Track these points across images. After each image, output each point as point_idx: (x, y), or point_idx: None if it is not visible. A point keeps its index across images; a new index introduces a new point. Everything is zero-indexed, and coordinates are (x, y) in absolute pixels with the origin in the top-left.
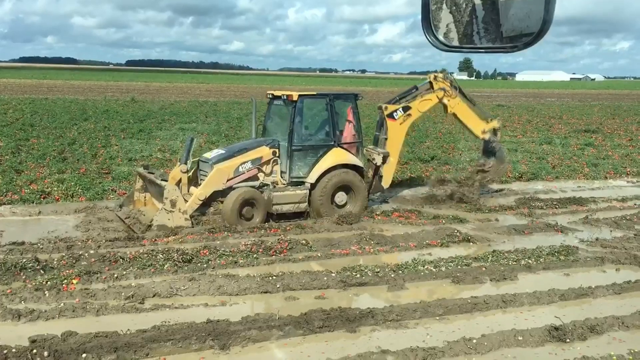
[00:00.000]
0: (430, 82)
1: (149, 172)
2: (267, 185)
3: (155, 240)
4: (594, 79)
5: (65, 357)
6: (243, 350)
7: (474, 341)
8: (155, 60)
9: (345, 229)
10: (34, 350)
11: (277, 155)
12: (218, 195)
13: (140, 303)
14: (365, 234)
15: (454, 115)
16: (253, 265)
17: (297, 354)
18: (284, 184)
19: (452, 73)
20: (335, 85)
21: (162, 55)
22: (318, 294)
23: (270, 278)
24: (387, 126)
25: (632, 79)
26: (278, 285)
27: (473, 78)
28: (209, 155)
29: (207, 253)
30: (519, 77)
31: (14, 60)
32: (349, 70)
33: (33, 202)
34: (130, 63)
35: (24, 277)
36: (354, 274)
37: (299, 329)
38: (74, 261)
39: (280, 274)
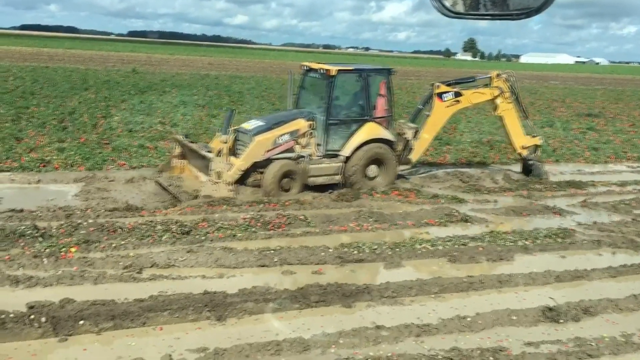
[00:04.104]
0: (490, 78)
1: (190, 142)
2: (304, 157)
3: (154, 211)
4: (599, 63)
5: (63, 323)
6: (239, 322)
7: (468, 319)
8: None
9: (344, 206)
10: (32, 316)
11: (313, 127)
12: (257, 166)
13: (138, 273)
14: (364, 212)
15: (500, 118)
16: (251, 239)
17: (293, 327)
18: (319, 156)
19: (456, 54)
20: (338, 62)
21: (165, 27)
22: (315, 269)
23: (268, 252)
24: (434, 104)
25: (637, 63)
26: (275, 260)
27: (477, 59)
28: (247, 126)
29: (206, 225)
30: (523, 59)
31: (15, 28)
32: (352, 48)
33: (32, 170)
34: (132, 34)
35: (22, 244)
36: (351, 250)
37: (295, 303)
38: (72, 230)
39: (278, 248)
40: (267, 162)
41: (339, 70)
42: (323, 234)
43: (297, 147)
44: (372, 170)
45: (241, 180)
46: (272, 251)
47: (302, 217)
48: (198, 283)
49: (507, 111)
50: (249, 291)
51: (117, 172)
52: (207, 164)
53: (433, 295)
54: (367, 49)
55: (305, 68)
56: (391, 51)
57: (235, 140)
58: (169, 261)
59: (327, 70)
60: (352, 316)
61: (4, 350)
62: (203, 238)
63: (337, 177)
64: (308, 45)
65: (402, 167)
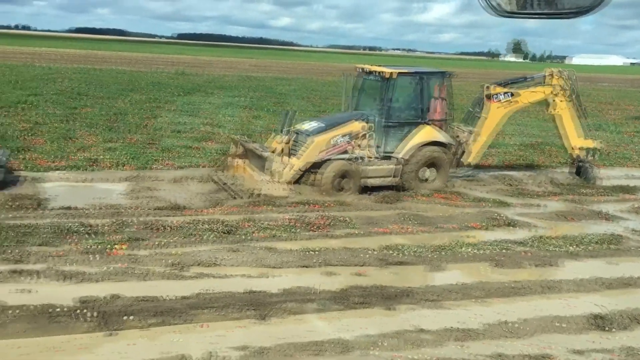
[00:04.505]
0: (544, 76)
1: (250, 142)
2: (359, 158)
3: (199, 210)
4: None
5: (111, 318)
6: (281, 321)
7: (513, 325)
8: (204, 34)
9: (386, 208)
10: (82, 311)
11: (369, 129)
12: (312, 166)
13: (182, 270)
14: (406, 214)
15: (554, 118)
16: (293, 240)
17: (334, 328)
18: (374, 158)
19: (501, 55)
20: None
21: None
22: (357, 270)
23: (310, 253)
24: (487, 106)
25: None
26: (317, 260)
27: (527, 60)
28: (304, 127)
29: (249, 225)
30: (574, 61)
31: (68, 31)
32: (396, 49)
33: (83, 169)
34: (181, 37)
35: (73, 240)
36: (393, 252)
37: (337, 304)
38: (120, 227)
39: (320, 249)
40: (323, 162)
41: (399, 73)
42: (365, 235)
43: (352, 149)
44: (427, 172)
45: (297, 179)
46: (314, 252)
47: (344, 218)
48: (241, 282)
49: (564, 110)
50: (291, 291)
51: (164, 172)
52: (265, 163)
53: (476, 300)
54: (411, 50)
55: (361, 70)
56: (436, 52)
57: (293, 140)
58: (213, 260)
59: (385, 72)
60: (393, 319)
61: (54, 343)
62: (246, 237)
63: (392, 179)
64: (351, 47)
65: (457, 170)
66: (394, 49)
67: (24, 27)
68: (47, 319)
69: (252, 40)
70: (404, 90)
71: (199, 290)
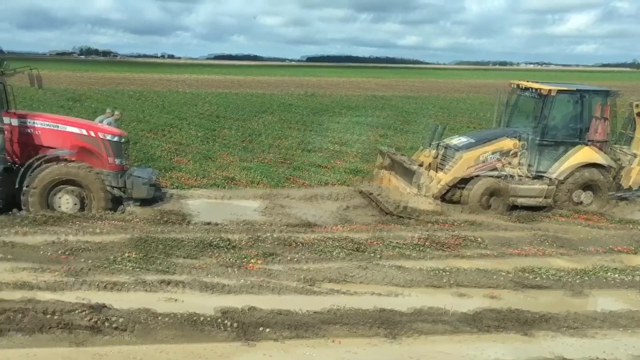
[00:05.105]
0: None
1: (397, 154)
2: (508, 176)
3: (329, 228)
4: None
5: (249, 329)
6: (412, 341)
7: None
8: (331, 56)
9: (520, 228)
10: (223, 321)
11: (521, 147)
12: (459, 182)
13: (314, 286)
14: (543, 235)
15: None
16: (422, 259)
17: (467, 350)
18: (525, 177)
19: None
20: (512, 79)
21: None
22: (490, 292)
23: (440, 273)
24: (638, 124)
25: None
26: (448, 281)
27: None
28: (453, 142)
29: (377, 243)
30: None
31: (207, 58)
32: (529, 63)
33: (222, 187)
34: (309, 59)
35: (214, 254)
36: (529, 275)
37: (470, 326)
38: (256, 242)
39: (450, 269)
40: (471, 178)
41: (558, 90)
42: (498, 257)
43: (502, 166)
44: (582, 195)
45: (443, 195)
46: (444, 272)
47: (475, 238)
48: (370, 299)
49: None
50: (422, 311)
51: (295, 190)
52: (412, 176)
53: (625, 330)
54: (545, 63)
55: (516, 86)
56: (572, 65)
57: (441, 155)
58: (343, 276)
59: (542, 89)
60: (531, 345)
61: (196, 350)
62: (375, 255)
63: (543, 200)
64: (480, 63)
65: (617, 193)
66: (526, 63)
67: (169, 56)
68: (192, 327)
69: (379, 60)
70: (562, 108)
71: (330, 305)
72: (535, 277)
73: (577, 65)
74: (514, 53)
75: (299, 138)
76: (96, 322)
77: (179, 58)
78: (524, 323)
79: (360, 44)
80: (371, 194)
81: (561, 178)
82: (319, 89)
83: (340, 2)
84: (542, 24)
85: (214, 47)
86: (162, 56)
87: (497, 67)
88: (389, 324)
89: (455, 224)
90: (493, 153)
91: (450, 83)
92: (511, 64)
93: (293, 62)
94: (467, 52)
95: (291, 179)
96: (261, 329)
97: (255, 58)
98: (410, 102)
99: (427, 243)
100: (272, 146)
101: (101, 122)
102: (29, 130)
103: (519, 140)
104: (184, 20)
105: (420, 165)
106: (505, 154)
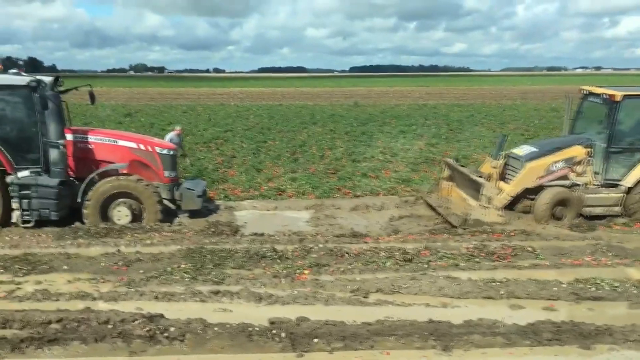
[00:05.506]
0: None
1: (461, 165)
2: (578, 185)
3: (378, 238)
4: None
5: (300, 340)
6: (466, 354)
7: None
8: (377, 66)
9: (577, 238)
10: (274, 331)
11: (591, 155)
12: (527, 192)
13: (364, 297)
14: (602, 244)
15: None
16: (475, 270)
17: None
18: (596, 185)
19: None
20: (564, 85)
21: (384, 61)
22: (546, 304)
23: (494, 284)
24: None
25: None
26: (502, 292)
27: None
28: (519, 151)
29: (428, 254)
30: None
31: (254, 71)
32: (581, 68)
33: (271, 198)
34: (355, 69)
35: (264, 264)
36: (588, 286)
37: (526, 339)
38: (305, 253)
39: (504, 280)
40: (539, 188)
41: (625, 95)
42: (554, 267)
43: (572, 175)
44: None
45: (510, 205)
46: (498, 283)
47: (529, 248)
48: (422, 311)
49: None
50: (475, 323)
51: (343, 200)
52: (477, 187)
53: None
54: (598, 68)
55: (584, 92)
56: (628, 69)
57: (506, 165)
58: (393, 287)
59: (611, 95)
60: (591, 359)
61: None
62: (425, 266)
63: (617, 209)
64: (530, 69)
65: None
66: (578, 68)
67: (218, 70)
68: (244, 337)
69: (425, 69)
70: (632, 114)
71: (380, 317)
72: (595, 289)
73: (632, 69)
74: (564, 58)
75: (346, 148)
76: (152, 332)
77: (228, 72)
78: (583, 336)
79: (406, 53)
80: (439, 206)
81: (633, 186)
82: (365, 99)
83: (385, 11)
84: (593, 27)
85: (261, 60)
86: (211, 70)
87: (548, 72)
88: (440, 336)
89: (511, 233)
90: (563, 162)
91: (499, 90)
92: (561, 69)
93: (339, 73)
94: (515, 57)
95: (339, 190)
96: (311, 339)
97: (301, 70)
98: (458, 110)
99: (479, 253)
100: (319, 157)
101: (171, 140)
102: (87, 146)
103: (590, 147)
104: (232, 35)
105: (482, 176)
106: (576, 162)
